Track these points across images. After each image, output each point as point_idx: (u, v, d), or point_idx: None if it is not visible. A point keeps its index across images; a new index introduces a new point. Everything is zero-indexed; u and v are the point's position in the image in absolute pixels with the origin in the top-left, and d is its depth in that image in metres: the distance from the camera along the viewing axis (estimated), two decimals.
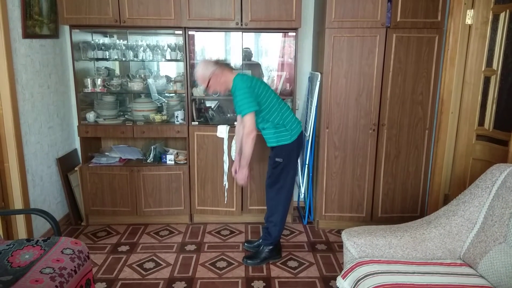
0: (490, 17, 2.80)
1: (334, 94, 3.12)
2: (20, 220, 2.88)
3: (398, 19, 2.99)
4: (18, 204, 2.84)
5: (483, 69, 2.88)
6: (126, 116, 3.53)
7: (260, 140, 2.80)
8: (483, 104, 2.90)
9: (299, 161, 3.53)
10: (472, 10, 2.89)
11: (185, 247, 3.09)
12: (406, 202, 3.33)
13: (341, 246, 3.05)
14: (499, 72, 2.75)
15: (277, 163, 2.74)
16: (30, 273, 1.79)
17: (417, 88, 3.12)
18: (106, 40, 3.56)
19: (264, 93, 2.66)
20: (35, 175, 3.04)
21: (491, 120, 2.83)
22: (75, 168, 3.44)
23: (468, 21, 2.92)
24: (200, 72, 2.66)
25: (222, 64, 2.70)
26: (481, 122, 2.92)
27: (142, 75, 3.50)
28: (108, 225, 3.46)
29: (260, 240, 2.97)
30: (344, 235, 2.10)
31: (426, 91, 3.13)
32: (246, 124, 2.58)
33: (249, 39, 3.55)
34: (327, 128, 3.17)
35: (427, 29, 3.02)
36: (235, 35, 3.47)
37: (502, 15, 2.71)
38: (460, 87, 3.04)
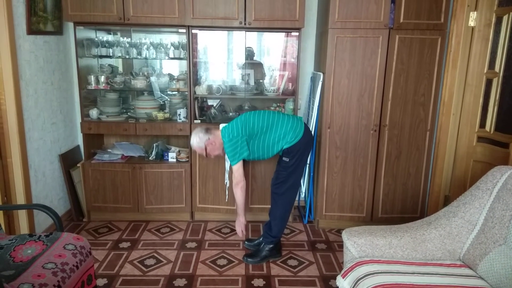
0: (493, 19, 2.80)
1: (336, 94, 3.13)
2: (22, 215, 2.90)
3: (401, 20, 2.99)
4: (20, 199, 2.86)
5: (485, 71, 2.88)
6: (129, 113, 3.55)
7: None
8: (484, 106, 2.90)
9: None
10: (475, 12, 2.90)
11: (186, 245, 3.11)
12: (407, 202, 3.34)
13: (341, 245, 3.07)
14: (501, 74, 2.75)
15: (285, 162, 2.75)
16: (32, 268, 1.80)
17: (419, 90, 3.13)
18: (110, 38, 3.57)
19: (254, 124, 2.70)
20: (38, 170, 3.06)
21: (492, 122, 2.83)
22: (78, 165, 3.45)
23: (471, 23, 2.92)
24: (195, 144, 2.78)
25: (211, 128, 2.83)
26: (482, 124, 2.93)
27: (145, 73, 3.51)
28: (109, 221, 3.47)
29: (261, 239, 2.98)
30: (345, 235, 2.11)
31: (428, 92, 3.13)
32: (234, 174, 2.74)
33: (251, 38, 3.56)
34: (329, 128, 3.18)
35: (430, 31, 3.02)
36: (238, 34, 3.48)
37: (505, 18, 2.71)
38: (462, 89, 3.04)
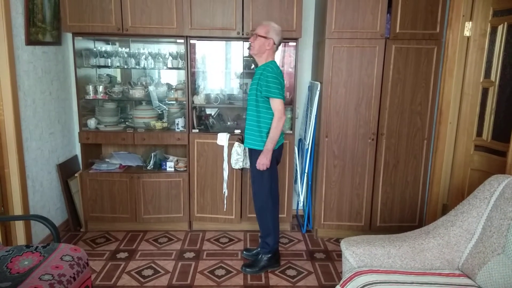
0: (488, 29, 2.84)
1: (334, 103, 3.14)
2: (19, 226, 2.88)
3: (397, 30, 3.02)
4: (17, 209, 2.85)
5: (481, 81, 2.91)
6: (127, 123, 3.55)
7: None
8: (481, 115, 2.92)
9: (298, 169, 3.56)
10: (470, 22, 2.93)
11: (184, 255, 3.09)
12: (405, 211, 3.34)
13: (339, 255, 3.06)
14: (497, 83, 2.77)
15: (259, 170, 2.73)
16: (29, 280, 1.79)
17: (416, 99, 3.15)
18: (108, 48, 3.59)
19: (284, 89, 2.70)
20: (35, 181, 3.05)
21: (489, 131, 2.85)
22: (75, 174, 3.44)
23: (467, 33, 2.95)
24: (270, 28, 2.68)
25: (277, 46, 2.75)
26: (479, 133, 2.94)
27: (144, 83, 3.52)
28: (107, 231, 3.45)
29: (259, 249, 2.97)
30: (343, 244, 2.11)
31: (425, 101, 3.15)
32: (278, 107, 2.61)
33: None
34: (327, 137, 3.19)
35: (426, 41, 3.05)
36: (236, 44, 3.51)
37: (500, 28, 2.74)
38: (458, 97, 3.07)
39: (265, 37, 2.66)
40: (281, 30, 2.75)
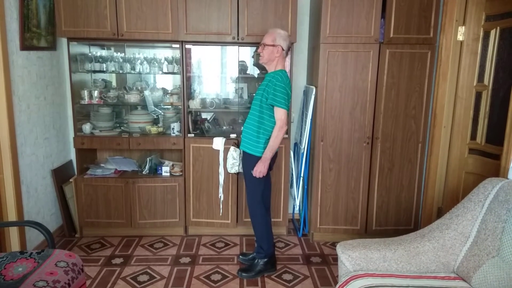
0: (481, 34, 2.86)
1: (329, 108, 3.16)
2: (13, 231, 2.86)
3: (391, 35, 3.05)
4: (12, 215, 2.82)
5: (474, 84, 2.93)
6: (122, 127, 3.54)
7: None
8: (475, 118, 2.94)
9: (294, 173, 3.57)
10: (463, 27, 2.96)
11: (180, 260, 3.08)
12: (400, 215, 3.35)
13: (336, 259, 3.06)
14: (490, 87, 2.80)
15: (253, 176, 2.73)
16: (23, 286, 1.78)
17: (410, 103, 3.17)
18: (104, 53, 3.58)
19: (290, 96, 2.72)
20: (30, 186, 3.03)
21: (483, 134, 2.87)
22: (70, 180, 3.42)
23: (460, 37, 2.98)
24: (276, 35, 2.69)
25: (287, 53, 2.77)
26: (473, 136, 2.96)
27: (139, 87, 3.52)
28: (102, 237, 3.43)
29: (255, 253, 2.96)
30: (339, 248, 2.11)
31: (419, 105, 3.18)
32: (281, 117, 2.63)
33: (245, 52, 3.59)
34: (322, 141, 3.20)
35: (419, 45, 3.08)
36: (231, 49, 3.52)
37: (492, 32, 2.77)
38: (452, 101, 3.09)
39: (273, 45, 2.68)
40: (287, 35, 2.77)
